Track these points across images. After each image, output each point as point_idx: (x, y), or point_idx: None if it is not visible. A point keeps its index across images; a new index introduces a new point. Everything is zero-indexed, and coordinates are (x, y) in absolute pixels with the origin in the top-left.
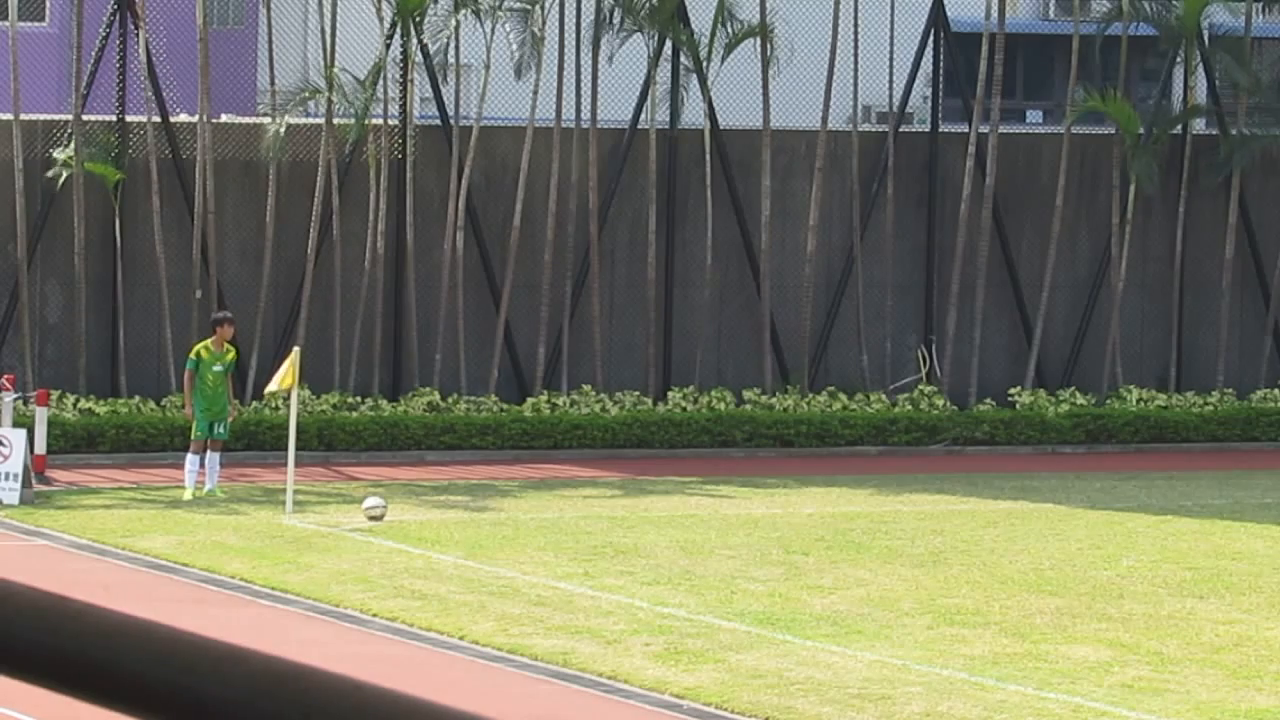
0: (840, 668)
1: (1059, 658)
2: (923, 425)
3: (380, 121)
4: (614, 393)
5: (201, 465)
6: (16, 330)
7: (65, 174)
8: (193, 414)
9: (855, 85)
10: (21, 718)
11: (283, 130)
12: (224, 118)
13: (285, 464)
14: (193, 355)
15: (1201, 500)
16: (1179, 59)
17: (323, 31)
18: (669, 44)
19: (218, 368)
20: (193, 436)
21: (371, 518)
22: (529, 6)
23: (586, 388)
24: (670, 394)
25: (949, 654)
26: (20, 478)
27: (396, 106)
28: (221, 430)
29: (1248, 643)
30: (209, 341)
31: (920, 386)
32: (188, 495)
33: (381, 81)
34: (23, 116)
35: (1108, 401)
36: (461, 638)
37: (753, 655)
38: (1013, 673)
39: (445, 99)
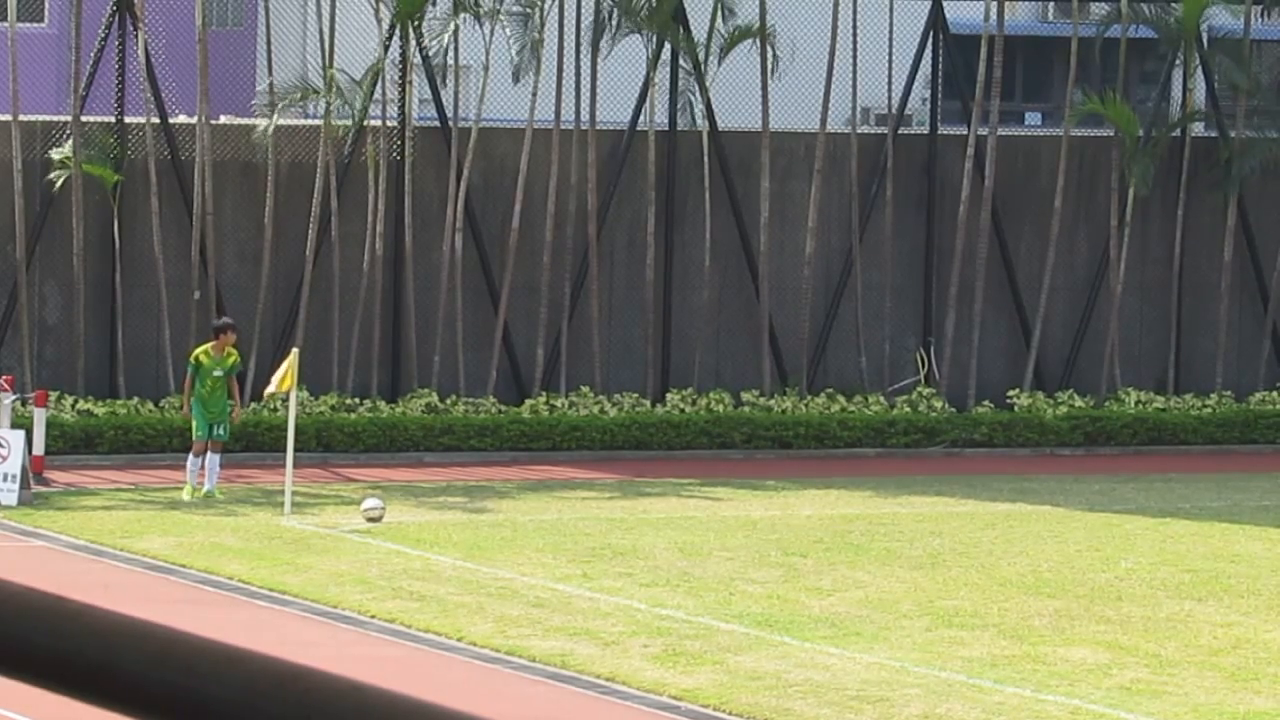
0: (839, 669)
1: (1057, 660)
2: (921, 427)
3: (379, 123)
4: (612, 394)
5: (202, 466)
6: (15, 331)
7: (64, 175)
8: (190, 415)
9: (854, 87)
10: (20, 719)
11: (270, 130)
12: (223, 119)
13: (284, 465)
14: (192, 359)
15: (1200, 502)
16: (1178, 61)
17: (321, 33)
18: (668, 46)
19: (217, 372)
20: (194, 437)
21: (370, 519)
22: (528, 9)
23: (585, 389)
24: (669, 395)
25: (947, 656)
26: (19, 479)
27: (395, 108)
28: (221, 431)
29: (1246, 645)
30: (209, 346)
31: (919, 388)
32: (186, 495)
33: (380, 83)
34: (22, 117)
35: (1106, 404)
36: (460, 639)
37: (751, 657)
38: (1011, 675)
39: (444, 100)
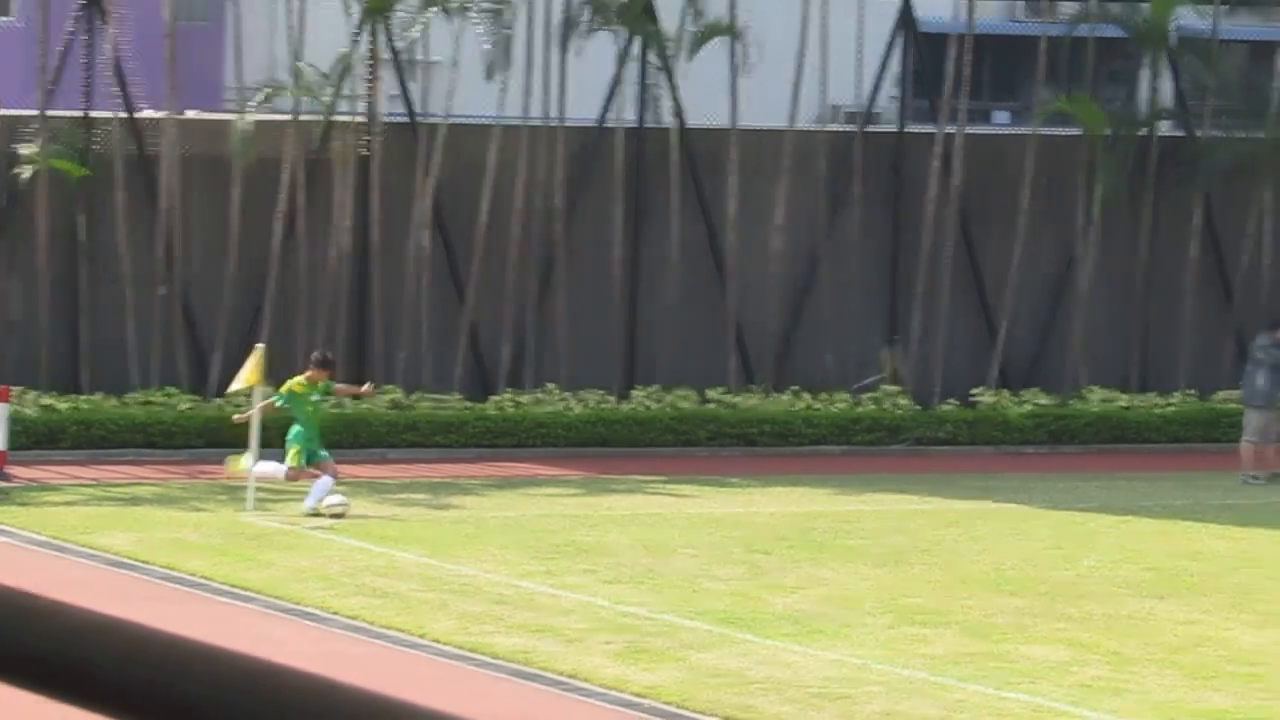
0: (801, 667)
1: (1019, 657)
2: (886, 425)
3: (347, 118)
4: (578, 391)
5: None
6: None
7: (30, 170)
8: (246, 418)
9: (823, 85)
10: None
11: (251, 128)
12: (190, 114)
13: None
14: (285, 391)
15: (1163, 501)
16: (1146, 61)
17: (290, 28)
18: (637, 42)
19: (315, 397)
20: (289, 464)
21: (333, 515)
22: (498, 5)
23: (550, 386)
24: (634, 392)
25: (909, 653)
26: None
27: (364, 103)
28: (324, 453)
29: (1206, 643)
30: (302, 378)
31: (884, 386)
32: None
33: (349, 78)
34: None
35: (1070, 402)
36: (422, 636)
37: (713, 654)
38: (973, 672)
39: (413, 96)
